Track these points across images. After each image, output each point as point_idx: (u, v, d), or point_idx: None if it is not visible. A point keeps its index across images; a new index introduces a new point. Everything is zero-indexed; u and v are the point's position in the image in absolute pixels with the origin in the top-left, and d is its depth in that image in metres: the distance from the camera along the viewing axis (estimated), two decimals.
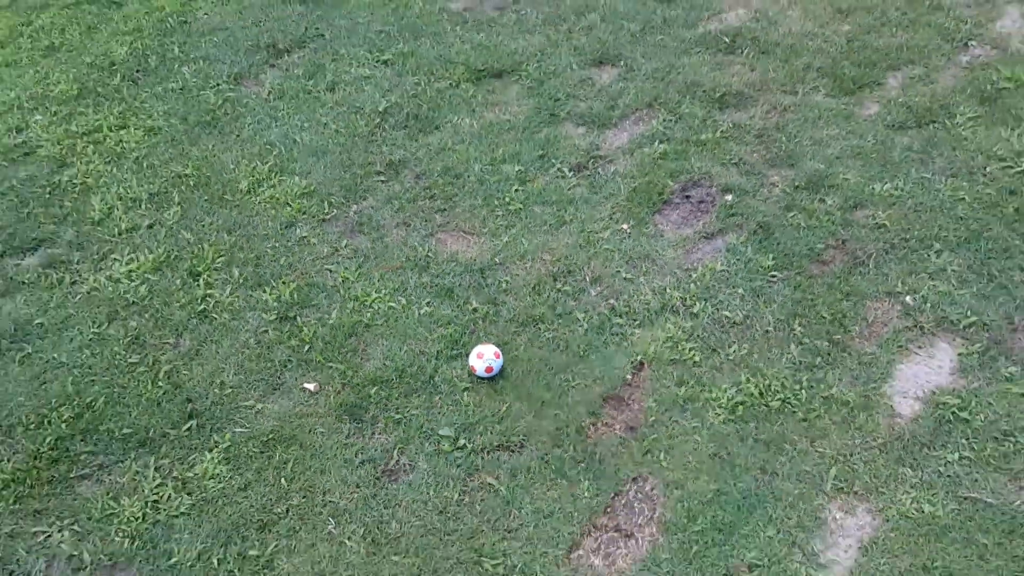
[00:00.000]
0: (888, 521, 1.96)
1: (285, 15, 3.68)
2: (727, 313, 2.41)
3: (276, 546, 1.96)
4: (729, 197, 2.75)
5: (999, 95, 3.09)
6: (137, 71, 3.39)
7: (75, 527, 2.01)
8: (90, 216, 2.76)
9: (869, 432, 2.13)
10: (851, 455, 2.09)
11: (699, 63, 3.30)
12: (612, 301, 2.46)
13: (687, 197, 2.78)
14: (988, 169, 2.80)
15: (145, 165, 2.95)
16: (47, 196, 2.86)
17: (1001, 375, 2.22)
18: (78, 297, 2.53)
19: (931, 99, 3.08)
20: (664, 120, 3.05)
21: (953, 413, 2.14)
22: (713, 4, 3.64)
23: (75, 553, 1.97)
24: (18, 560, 1.96)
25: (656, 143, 2.95)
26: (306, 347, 2.36)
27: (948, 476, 2.03)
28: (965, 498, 1.99)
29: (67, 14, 3.70)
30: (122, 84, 3.31)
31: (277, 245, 2.66)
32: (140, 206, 2.80)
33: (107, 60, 3.43)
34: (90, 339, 2.40)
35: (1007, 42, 3.37)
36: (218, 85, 3.30)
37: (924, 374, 2.25)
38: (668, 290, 2.47)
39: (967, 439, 2.10)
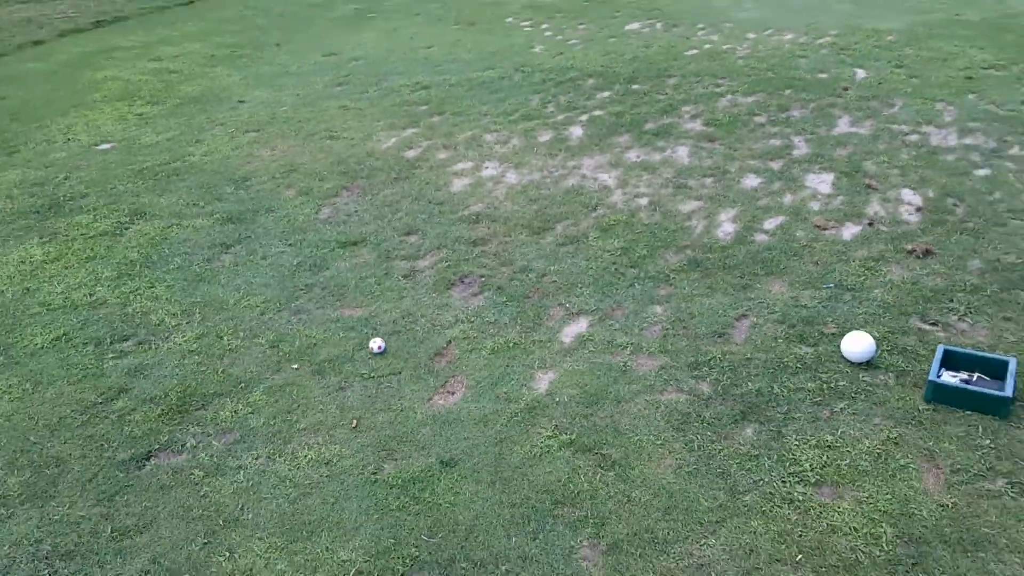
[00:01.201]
0: (561, 375, 4.62)
1: (225, 231, 6.31)
2: (486, 320, 5.12)
3: (298, 418, 4.34)
4: (483, 279, 5.57)
5: (611, 227, 6.19)
6: (146, 264, 5.86)
7: (201, 424, 4.31)
8: (153, 323, 5.15)
9: (554, 350, 4.84)
10: (549, 357, 4.77)
11: (461, 227, 6.22)
12: (433, 322, 5.13)
13: (463, 281, 5.57)
14: (603, 255, 5.80)
15: (173, 300, 5.38)
16: (123, 318, 5.21)
17: (607, 325, 5.03)
18: (161, 353, 4.87)
19: (577, 234, 6.13)
20: (446, 254, 5.89)
21: (579, 339, 4.91)
22: (466, 202, 6.66)
23: (207, 433, 4.26)
24: (180, 437, 4.22)
25: (444, 263, 5.76)
26: (288, 356, 4.83)
27: (583, 356, 4.75)
28: (594, 362, 4.71)
29: (92, 241, 6.14)
30: (142, 269, 5.76)
31: (258, 323, 5.15)
32: (178, 317, 5.22)
33: (127, 260, 5.87)
34: (176, 364, 4.75)
35: (616, 204, 6.54)
36: (198, 264, 5.84)
37: (575, 329, 5.01)
38: (457, 315, 5.17)
39: (592, 346, 4.84)
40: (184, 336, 5.02)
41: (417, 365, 4.73)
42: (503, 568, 3.45)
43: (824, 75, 9.24)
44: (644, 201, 6.55)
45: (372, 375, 4.65)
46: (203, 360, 4.80)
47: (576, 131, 7.93)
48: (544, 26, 11.97)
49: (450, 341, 4.94)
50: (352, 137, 8.01)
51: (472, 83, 9.41)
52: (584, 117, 8.25)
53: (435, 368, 4.71)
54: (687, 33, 11.19)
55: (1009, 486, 3.77)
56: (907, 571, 3.37)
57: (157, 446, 4.17)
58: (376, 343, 4.83)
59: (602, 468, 3.95)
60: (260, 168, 7.38)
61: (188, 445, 4.17)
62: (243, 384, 4.60)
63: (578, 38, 11.18)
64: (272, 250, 6.01)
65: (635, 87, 9.04)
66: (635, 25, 11.70)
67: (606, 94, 8.87)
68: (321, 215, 6.54)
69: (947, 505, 3.68)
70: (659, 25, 11.66)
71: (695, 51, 10.34)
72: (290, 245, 6.08)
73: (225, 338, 5.00)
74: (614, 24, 11.85)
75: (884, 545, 3.49)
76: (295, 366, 4.74)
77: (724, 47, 10.47)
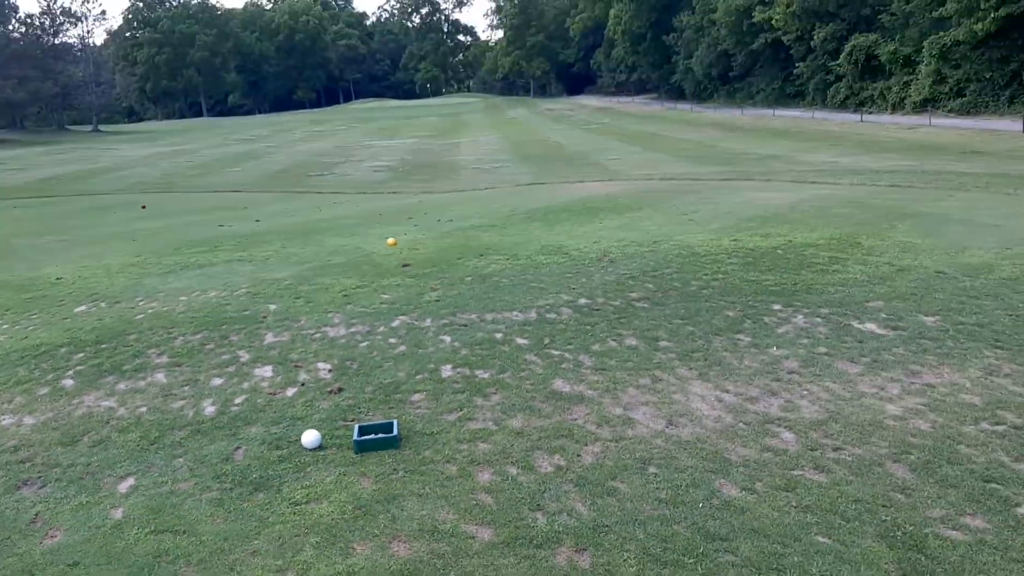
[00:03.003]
0: (128, 507, 6.76)
1: None
2: (58, 497, 7.00)
3: None
4: (40, 478, 7.39)
5: (125, 428, 8.42)
6: None
7: None
8: None
9: (117, 497, 6.95)
10: (116, 502, 6.85)
11: (4, 457, 7.90)
12: (16, 509, 6.84)
13: (27, 483, 7.32)
14: (127, 442, 8.02)
15: None
16: None
17: (148, 475, 7.29)
18: None
19: (101, 438, 8.24)
20: (2, 473, 7.55)
21: (131, 488, 7.11)
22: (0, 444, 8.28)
23: None
24: None
25: (4, 478, 7.43)
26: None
27: (138, 495, 6.95)
28: (145, 495, 6.92)
29: None
30: None
31: None
32: None
33: None
34: None
35: (123, 415, 8.77)
36: None
37: (127, 484, 7.17)
38: (33, 500, 6.96)
39: (142, 489, 7.07)
40: None
41: (18, 530, 6.48)
42: None
43: (247, 312, 12.61)
44: (144, 409, 8.91)
45: None
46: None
47: (68, 382, 9.95)
48: None
49: (36, 513, 6.76)
50: None
51: None
52: (70, 373, 10.29)
53: (34, 528, 6.52)
54: (130, 304, 13.78)
55: (404, 473, 7.03)
56: (351, 523, 6.34)
57: None
58: None
59: (177, 535, 6.28)
60: None
61: None
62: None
63: (34, 323, 13.02)
64: None
65: (103, 346, 11.33)
66: (83, 307, 13.92)
67: (80, 355, 11.00)
68: None
69: (376, 488, 6.79)
70: (103, 303, 14.05)
71: (142, 315, 12.99)
72: None
73: None
74: (63, 309, 13.91)
75: (347, 509, 6.44)
76: None
77: (165, 308, 13.30)
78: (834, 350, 9.44)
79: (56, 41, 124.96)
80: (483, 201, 26.86)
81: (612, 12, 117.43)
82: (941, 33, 57.31)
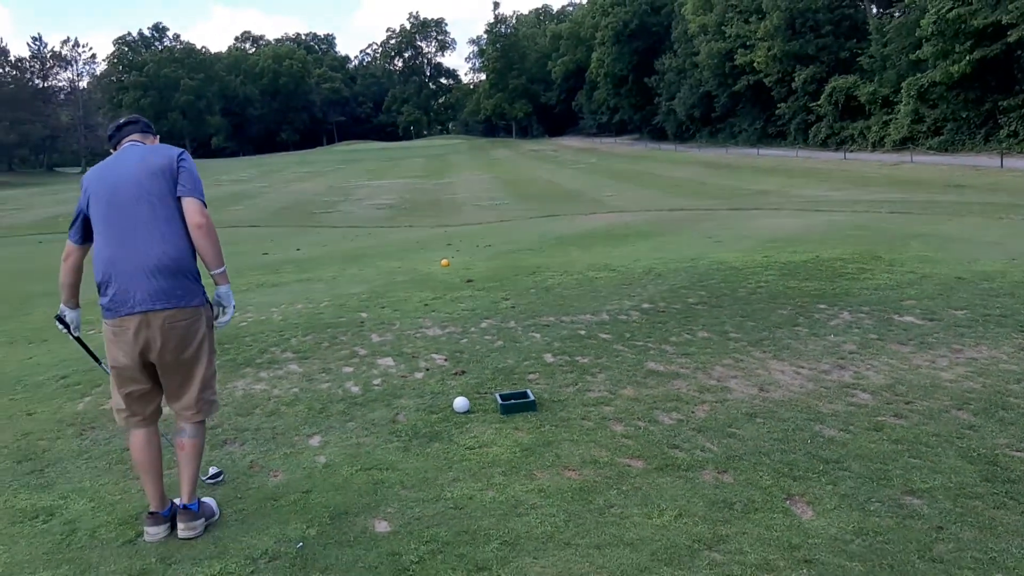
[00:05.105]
0: (329, 450, 8.12)
1: None
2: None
3: None
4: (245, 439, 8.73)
5: (291, 402, 9.77)
6: None
7: None
8: None
9: (314, 450, 8.30)
10: (320, 445, 8.21)
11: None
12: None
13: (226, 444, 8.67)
14: (290, 414, 9.37)
15: None
16: None
17: (334, 434, 8.66)
18: None
19: (270, 410, 9.59)
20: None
21: (322, 443, 8.47)
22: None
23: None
24: None
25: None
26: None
27: (331, 445, 8.31)
28: (341, 445, 8.28)
29: None
30: None
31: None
32: None
33: None
34: None
35: (278, 395, 10.12)
36: None
37: (316, 440, 8.54)
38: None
39: (331, 445, 8.43)
40: None
41: (243, 473, 7.82)
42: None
43: (343, 319, 14.02)
44: (296, 390, 10.26)
45: None
46: None
47: None
48: None
49: (252, 461, 8.09)
50: None
51: None
52: None
53: (255, 471, 7.86)
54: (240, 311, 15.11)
55: (550, 426, 8.45)
56: (523, 459, 7.75)
57: None
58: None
59: (383, 471, 7.65)
60: None
61: None
62: None
63: None
64: None
65: (226, 346, 12.65)
66: None
67: None
68: None
69: (532, 437, 8.20)
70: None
71: (245, 323, 14.35)
72: None
73: None
74: None
75: (515, 451, 7.84)
76: None
77: (262, 318, 14.68)
78: (883, 336, 11.01)
79: (45, 84, 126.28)
80: (506, 231, 28.44)
81: (594, 55, 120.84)
82: (918, 75, 60.23)
